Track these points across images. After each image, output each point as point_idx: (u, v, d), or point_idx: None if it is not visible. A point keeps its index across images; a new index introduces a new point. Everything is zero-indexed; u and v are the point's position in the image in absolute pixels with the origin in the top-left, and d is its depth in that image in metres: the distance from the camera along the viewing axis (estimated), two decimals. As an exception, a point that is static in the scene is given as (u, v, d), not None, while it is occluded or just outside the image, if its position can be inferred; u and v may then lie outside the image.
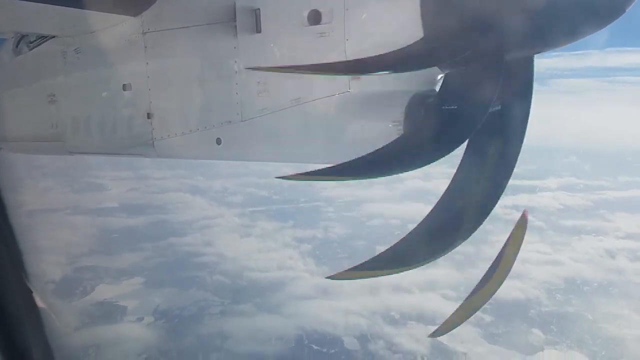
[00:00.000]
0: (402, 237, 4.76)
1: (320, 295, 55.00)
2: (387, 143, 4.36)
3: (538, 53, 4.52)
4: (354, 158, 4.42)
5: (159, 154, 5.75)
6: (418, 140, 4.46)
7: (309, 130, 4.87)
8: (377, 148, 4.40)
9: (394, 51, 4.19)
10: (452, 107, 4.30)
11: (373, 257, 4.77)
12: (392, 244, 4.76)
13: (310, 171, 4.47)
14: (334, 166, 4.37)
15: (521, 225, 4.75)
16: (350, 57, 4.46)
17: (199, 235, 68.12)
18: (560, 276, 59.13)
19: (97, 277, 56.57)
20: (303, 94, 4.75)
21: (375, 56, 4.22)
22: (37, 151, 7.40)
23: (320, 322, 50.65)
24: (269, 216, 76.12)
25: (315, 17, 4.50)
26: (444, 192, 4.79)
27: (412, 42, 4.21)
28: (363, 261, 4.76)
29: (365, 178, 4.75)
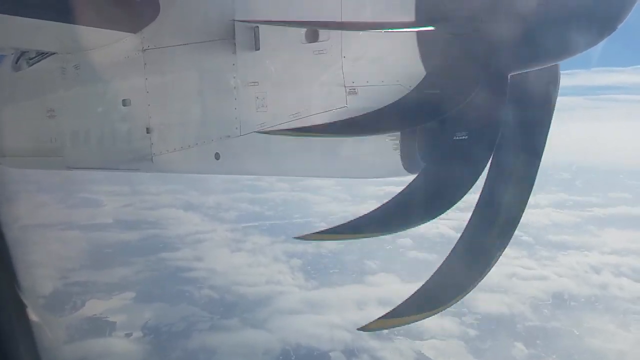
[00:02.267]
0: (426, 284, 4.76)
1: (308, 309, 54.86)
2: (404, 192, 4.45)
3: (533, 69, 4.59)
4: (349, 174, 4.74)
5: (157, 168, 5.77)
6: (437, 185, 4.53)
7: (307, 145, 4.90)
8: (372, 162, 4.64)
9: (394, 105, 4.31)
10: (462, 137, 4.35)
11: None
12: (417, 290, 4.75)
13: (328, 229, 4.65)
14: (350, 222, 4.47)
15: None
16: (347, 74, 4.54)
17: (190, 250, 67.75)
18: (546, 291, 58.97)
19: (87, 292, 56.05)
20: (301, 109, 4.76)
21: (378, 115, 4.34)
22: (36, 166, 7.39)
23: (307, 336, 50.29)
24: (261, 231, 75.52)
25: (312, 35, 4.58)
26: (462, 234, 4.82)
27: (407, 59, 4.34)
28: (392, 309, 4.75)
29: (386, 234, 4.87)
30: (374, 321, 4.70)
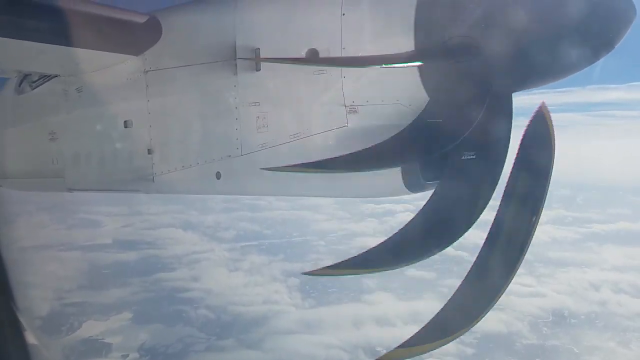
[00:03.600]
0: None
1: (304, 329, 54.58)
2: (408, 225, 4.41)
3: (532, 88, 4.55)
4: (350, 193, 4.70)
5: (158, 189, 5.79)
6: (441, 219, 4.46)
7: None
8: (373, 181, 4.60)
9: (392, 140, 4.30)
10: (470, 156, 4.32)
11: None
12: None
13: (336, 263, 4.54)
14: (358, 257, 4.41)
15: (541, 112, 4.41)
16: (347, 94, 4.57)
17: (188, 270, 67.81)
18: (544, 308, 58.44)
19: (84, 313, 55.94)
20: (302, 129, 4.79)
21: (383, 149, 4.33)
22: (37, 188, 7.44)
23: (303, 357, 50.01)
24: (259, 250, 75.58)
25: (313, 56, 4.62)
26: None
27: (407, 79, 4.36)
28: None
29: (394, 268, 4.69)
30: (391, 351, 4.53)
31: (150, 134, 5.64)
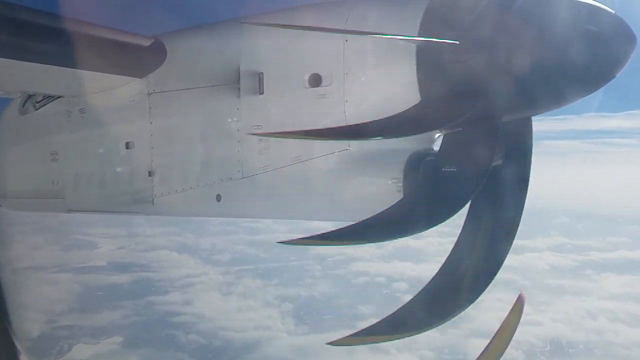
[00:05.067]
0: (404, 303, 4.62)
1: (295, 356, 53.84)
2: (388, 207, 4.36)
3: (532, 115, 4.60)
4: (353, 217, 4.41)
5: (158, 211, 5.78)
6: (419, 204, 4.44)
7: (309, 188, 4.89)
8: (375, 205, 4.43)
9: (391, 116, 4.25)
10: (452, 169, 4.34)
11: (375, 324, 4.51)
12: (394, 310, 4.60)
13: (311, 236, 4.38)
14: (333, 231, 4.30)
15: (518, 305, 4.62)
16: (350, 117, 4.56)
17: (180, 294, 67.35)
18: (540, 336, 57.88)
19: (75, 336, 55.62)
20: (303, 152, 4.83)
21: (372, 121, 4.28)
22: (36, 208, 7.38)
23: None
24: (254, 274, 75.21)
25: (315, 80, 4.65)
26: (447, 258, 4.68)
27: (409, 104, 4.30)
28: (365, 327, 4.55)
29: (366, 243, 4.74)
30: (344, 338, 4.49)
31: (152, 156, 5.65)
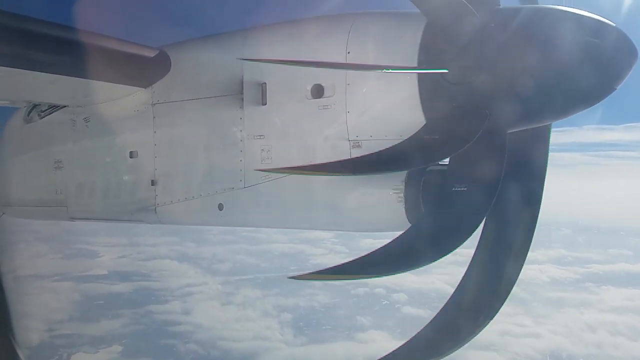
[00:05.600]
0: (417, 332, 4.68)
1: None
2: (397, 237, 4.35)
3: (534, 126, 4.67)
4: (354, 227, 4.72)
5: (160, 220, 5.84)
6: (430, 234, 4.39)
7: (311, 197, 4.96)
8: (377, 215, 4.61)
9: (396, 147, 4.33)
10: (461, 188, 4.32)
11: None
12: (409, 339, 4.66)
13: (321, 270, 4.48)
14: (343, 265, 4.29)
15: None
16: (351, 128, 4.63)
17: (180, 303, 66.78)
18: (539, 349, 57.25)
19: (74, 345, 55.09)
20: (305, 162, 4.83)
21: (377, 154, 4.38)
22: (40, 216, 7.42)
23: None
24: (254, 284, 74.68)
25: (318, 91, 4.72)
26: (459, 283, 4.75)
27: (410, 115, 4.40)
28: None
29: (375, 277, 4.70)
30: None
31: (155, 165, 5.72)
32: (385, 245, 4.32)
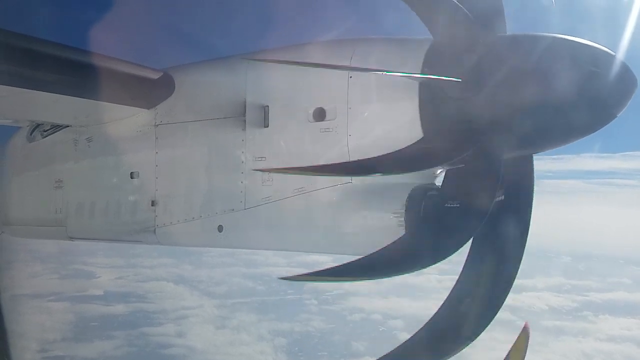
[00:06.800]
0: (405, 340, 4.71)
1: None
2: (390, 243, 4.36)
3: (534, 153, 4.76)
4: (354, 250, 4.47)
5: (159, 241, 5.80)
6: (422, 240, 4.46)
7: (311, 220, 4.94)
8: (377, 239, 4.47)
9: (392, 153, 4.34)
10: (455, 204, 4.38)
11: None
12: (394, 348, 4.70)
13: (313, 272, 4.44)
14: (335, 267, 4.29)
15: (523, 338, 4.83)
16: (353, 151, 4.65)
17: (174, 325, 66.02)
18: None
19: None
20: (306, 184, 4.89)
21: (376, 157, 4.37)
22: (39, 236, 7.43)
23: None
24: (249, 308, 74.02)
25: (320, 114, 4.75)
26: (449, 295, 4.77)
27: (411, 139, 4.40)
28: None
29: (368, 279, 4.74)
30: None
31: (156, 186, 5.72)
32: (377, 250, 4.32)
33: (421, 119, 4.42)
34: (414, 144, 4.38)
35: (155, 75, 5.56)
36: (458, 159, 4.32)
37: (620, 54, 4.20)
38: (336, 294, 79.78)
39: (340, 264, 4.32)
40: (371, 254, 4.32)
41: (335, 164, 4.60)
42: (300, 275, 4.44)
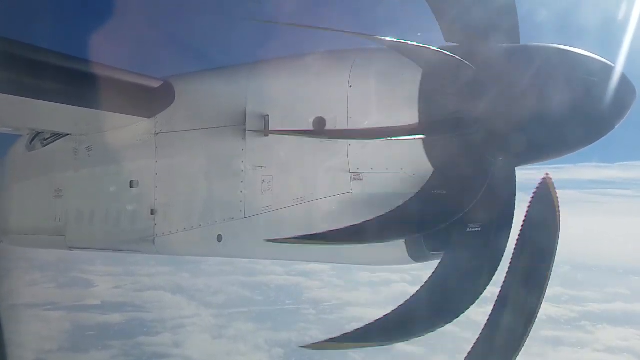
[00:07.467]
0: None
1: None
2: (411, 299, 4.38)
3: (534, 164, 4.73)
4: (352, 260, 4.70)
5: (158, 250, 5.79)
6: (446, 293, 4.44)
7: (310, 229, 4.81)
8: (375, 249, 4.60)
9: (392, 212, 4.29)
10: (476, 228, 4.37)
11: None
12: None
13: (334, 338, 4.45)
14: (356, 330, 4.33)
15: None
16: (352, 161, 4.69)
17: (170, 335, 65.61)
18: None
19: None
20: (306, 194, 4.88)
21: (378, 219, 4.33)
22: (38, 245, 7.43)
23: None
24: (247, 317, 73.61)
25: (320, 124, 4.76)
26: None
27: (410, 148, 4.45)
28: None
29: (393, 344, 4.70)
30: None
31: (155, 195, 5.70)
32: (398, 309, 4.33)
33: (421, 126, 4.45)
34: (414, 197, 4.36)
35: (155, 84, 5.59)
36: (472, 196, 4.27)
37: (619, 65, 4.24)
38: (334, 304, 79.52)
39: (362, 325, 4.33)
40: (392, 313, 4.33)
41: (338, 230, 4.44)
42: (321, 342, 4.44)
